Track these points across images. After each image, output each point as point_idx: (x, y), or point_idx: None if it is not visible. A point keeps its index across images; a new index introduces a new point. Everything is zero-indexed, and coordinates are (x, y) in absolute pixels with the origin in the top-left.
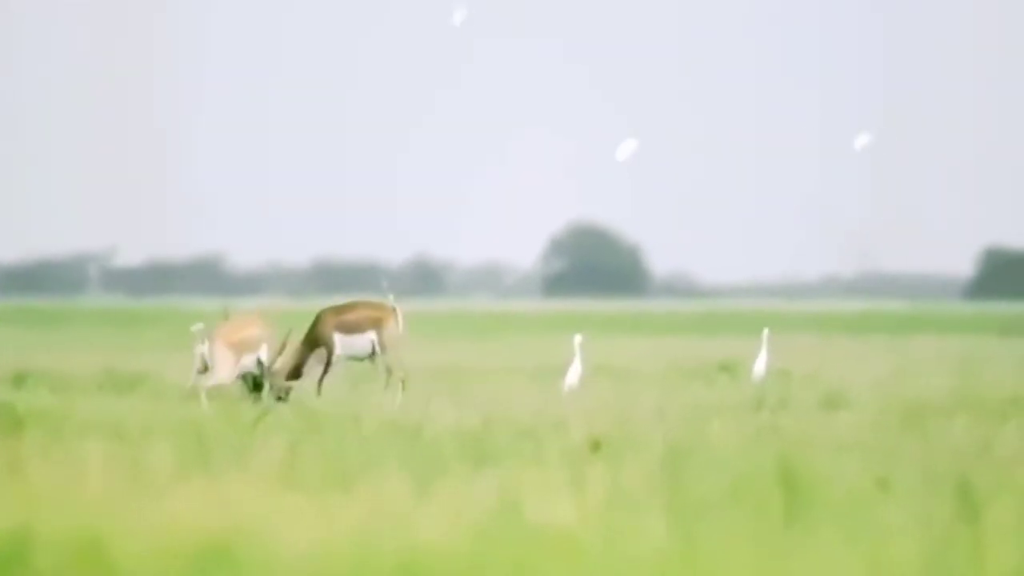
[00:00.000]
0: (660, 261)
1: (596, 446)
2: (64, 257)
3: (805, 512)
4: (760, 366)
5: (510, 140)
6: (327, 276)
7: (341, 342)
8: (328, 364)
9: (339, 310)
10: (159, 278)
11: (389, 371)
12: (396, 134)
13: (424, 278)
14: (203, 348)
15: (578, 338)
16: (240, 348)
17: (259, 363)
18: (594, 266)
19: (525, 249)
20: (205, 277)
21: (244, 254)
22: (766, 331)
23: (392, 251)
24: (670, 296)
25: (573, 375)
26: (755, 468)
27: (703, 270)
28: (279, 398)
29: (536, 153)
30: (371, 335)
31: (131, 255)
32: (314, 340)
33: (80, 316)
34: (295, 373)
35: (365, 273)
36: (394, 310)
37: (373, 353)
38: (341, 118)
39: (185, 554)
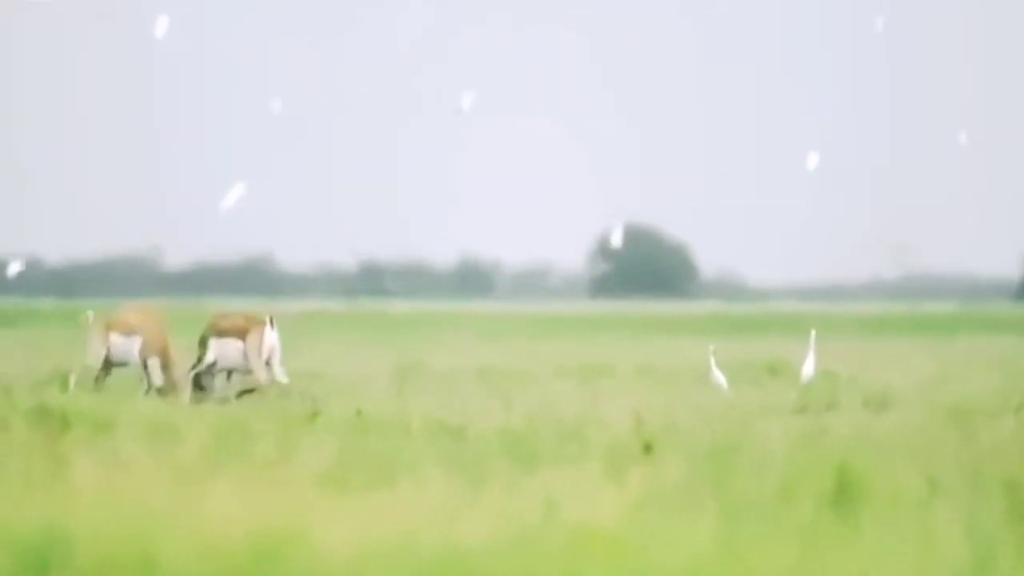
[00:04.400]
0: (707, 262)
1: (648, 448)
2: (113, 259)
3: (853, 513)
4: (808, 368)
5: (558, 140)
6: (376, 277)
7: (215, 347)
8: (198, 363)
9: (223, 316)
10: (207, 279)
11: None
12: (446, 135)
13: (472, 279)
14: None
15: (813, 333)
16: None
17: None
18: (641, 267)
19: (572, 250)
20: (253, 278)
21: (293, 255)
22: (813, 333)
23: (441, 252)
24: (717, 297)
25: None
26: (803, 469)
27: (750, 271)
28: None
29: (583, 153)
30: (239, 344)
31: (179, 256)
32: (200, 342)
33: None
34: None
35: (413, 274)
36: (262, 322)
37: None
38: (391, 119)
39: (230, 554)
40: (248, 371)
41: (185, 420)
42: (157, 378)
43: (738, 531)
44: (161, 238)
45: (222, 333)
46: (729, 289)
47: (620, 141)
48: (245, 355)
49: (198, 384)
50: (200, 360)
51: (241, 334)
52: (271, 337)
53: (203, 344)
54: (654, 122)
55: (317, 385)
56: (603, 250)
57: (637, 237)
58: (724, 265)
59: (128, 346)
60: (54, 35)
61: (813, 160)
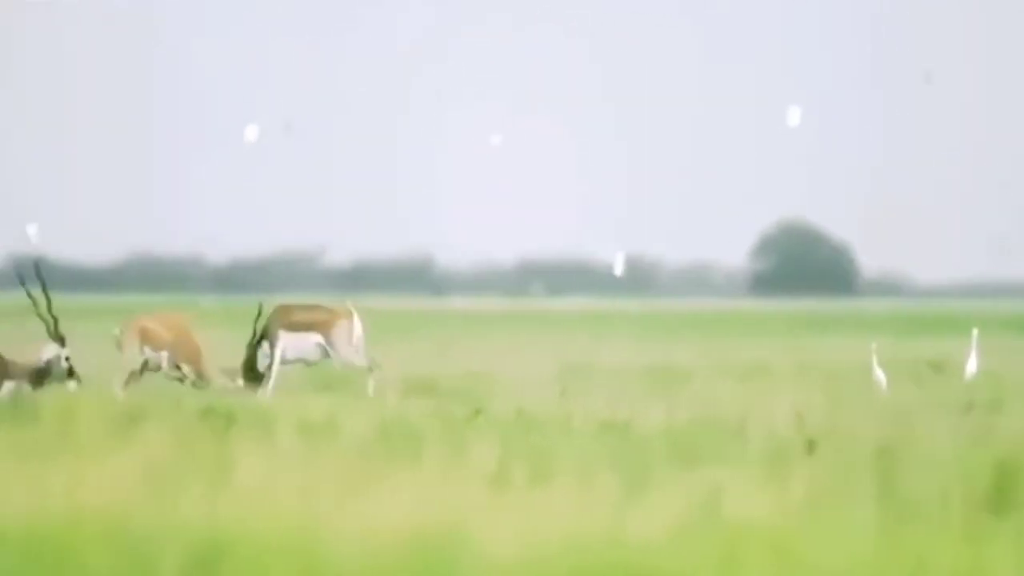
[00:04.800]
0: (869, 260)
1: (811, 446)
2: (274, 257)
3: (1019, 513)
4: (972, 366)
5: (719, 137)
6: (535, 275)
7: (286, 340)
8: (272, 361)
9: (290, 310)
10: (367, 277)
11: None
12: (604, 131)
13: (635, 277)
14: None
15: (975, 331)
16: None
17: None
18: (803, 265)
19: (734, 247)
20: (414, 276)
21: (454, 252)
22: (975, 331)
23: (603, 250)
24: (879, 295)
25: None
26: (968, 468)
27: (913, 269)
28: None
29: (743, 151)
30: (317, 337)
31: (339, 255)
32: (262, 336)
33: None
34: (250, 371)
35: (572, 273)
36: (348, 312)
37: (326, 356)
38: (548, 119)
39: (395, 551)
40: (315, 363)
41: (348, 417)
42: (191, 376)
43: (902, 530)
44: (324, 236)
45: (294, 327)
46: (891, 287)
47: (783, 139)
48: (328, 348)
49: (255, 375)
50: (272, 355)
51: (322, 327)
52: (359, 328)
53: (268, 337)
54: (813, 120)
55: (480, 384)
56: (764, 248)
57: (799, 235)
58: (886, 263)
59: (157, 359)
60: (195, 25)
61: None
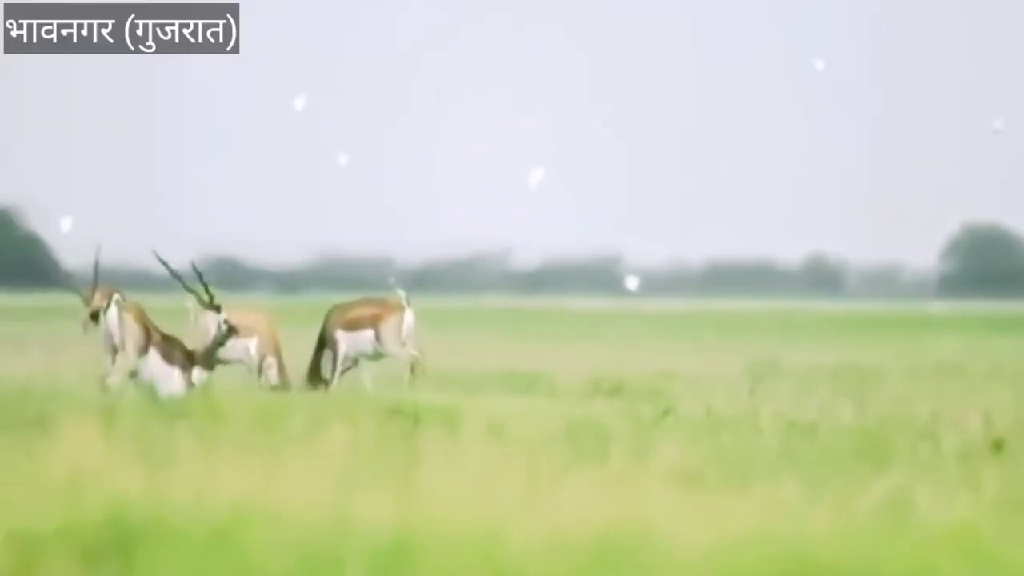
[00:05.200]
0: None
1: (998, 446)
2: (464, 258)
3: None
4: None
5: (913, 137)
6: (724, 276)
7: (345, 340)
8: (335, 362)
9: (346, 308)
10: (555, 278)
11: (411, 368)
12: (778, 128)
13: (822, 278)
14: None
15: None
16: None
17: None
18: (992, 266)
19: (922, 249)
20: (601, 277)
21: (640, 253)
22: None
23: (789, 251)
24: None
25: None
26: None
27: None
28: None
29: (930, 152)
30: (369, 333)
31: (527, 255)
32: (322, 340)
33: (477, 316)
34: (315, 374)
35: (757, 273)
36: (398, 307)
37: (380, 352)
38: (712, 120)
39: (583, 550)
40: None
41: (535, 417)
42: (272, 377)
43: None
44: (511, 237)
45: (351, 326)
46: None
47: (984, 143)
48: (379, 343)
49: (321, 377)
50: (335, 359)
51: (373, 322)
52: (410, 320)
53: (328, 339)
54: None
55: (668, 384)
56: (953, 249)
57: (988, 237)
58: None
59: (244, 345)
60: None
61: None
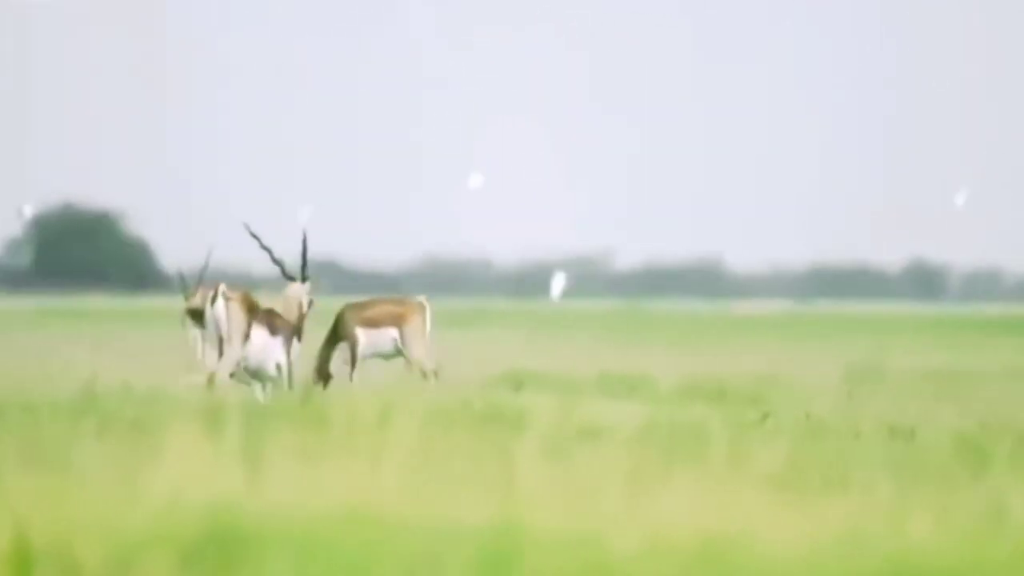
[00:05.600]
0: None
1: None
2: (557, 261)
3: None
4: None
5: (1013, 145)
6: (826, 279)
7: (365, 338)
8: (354, 361)
9: (362, 306)
10: (657, 281)
11: (421, 371)
12: (909, 127)
13: (923, 282)
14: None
15: None
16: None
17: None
18: None
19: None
20: (704, 279)
21: (743, 256)
22: None
23: (890, 255)
24: None
25: None
26: None
27: None
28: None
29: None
30: (392, 332)
31: (629, 258)
32: (337, 337)
33: (575, 318)
34: (323, 370)
35: (861, 276)
36: (420, 306)
37: (399, 351)
38: (841, 123)
39: (681, 553)
40: (394, 356)
41: (633, 420)
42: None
43: None
44: (611, 239)
45: (372, 323)
46: None
47: None
48: (401, 342)
49: (330, 374)
50: (354, 355)
51: (396, 321)
52: (429, 323)
53: (346, 337)
54: None
55: (768, 388)
56: None
57: None
58: None
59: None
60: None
61: None
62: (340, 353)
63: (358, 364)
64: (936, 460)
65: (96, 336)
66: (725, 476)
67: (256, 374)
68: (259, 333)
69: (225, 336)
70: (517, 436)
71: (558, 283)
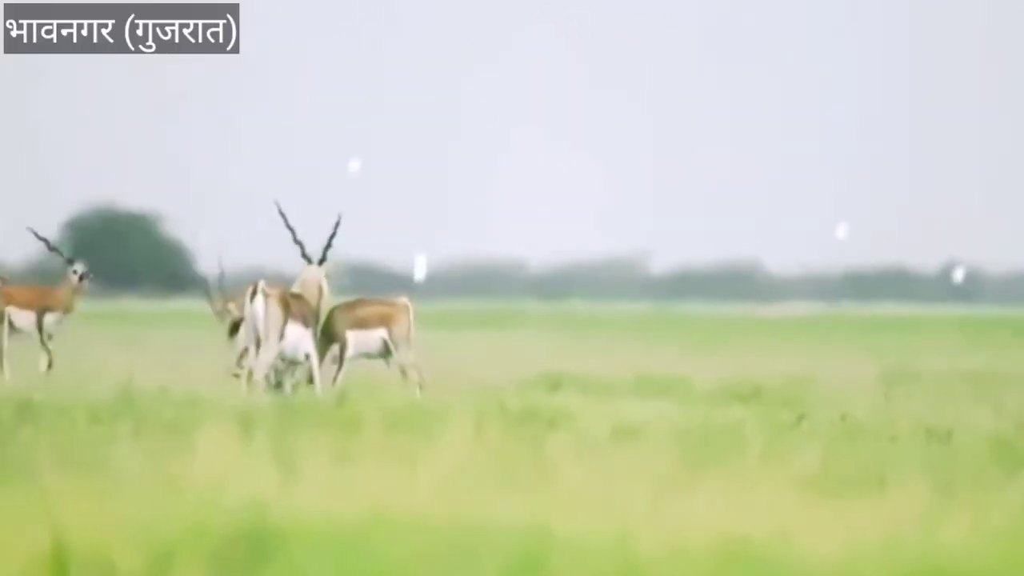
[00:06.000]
0: None
1: None
2: (600, 262)
3: None
4: None
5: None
6: (860, 281)
7: (354, 339)
8: (341, 362)
9: (351, 307)
10: (691, 283)
11: (403, 371)
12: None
13: (958, 284)
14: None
15: None
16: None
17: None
18: None
19: None
20: (738, 282)
21: (778, 260)
22: None
23: (923, 257)
24: None
25: None
26: None
27: None
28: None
29: None
30: (382, 332)
31: (663, 260)
32: (329, 337)
33: (610, 321)
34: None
35: (896, 278)
36: (406, 307)
37: (387, 352)
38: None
39: (714, 554)
40: (381, 357)
41: (667, 421)
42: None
43: None
44: (646, 242)
45: (361, 324)
46: None
47: None
48: (389, 342)
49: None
50: (342, 356)
51: (384, 321)
52: (413, 323)
53: (335, 338)
54: None
55: (803, 390)
56: None
57: None
58: None
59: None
60: None
61: None
62: (330, 353)
63: (344, 365)
64: (972, 462)
65: (131, 338)
66: (760, 478)
67: (288, 366)
68: (294, 328)
69: (262, 334)
70: (552, 437)
71: (420, 267)
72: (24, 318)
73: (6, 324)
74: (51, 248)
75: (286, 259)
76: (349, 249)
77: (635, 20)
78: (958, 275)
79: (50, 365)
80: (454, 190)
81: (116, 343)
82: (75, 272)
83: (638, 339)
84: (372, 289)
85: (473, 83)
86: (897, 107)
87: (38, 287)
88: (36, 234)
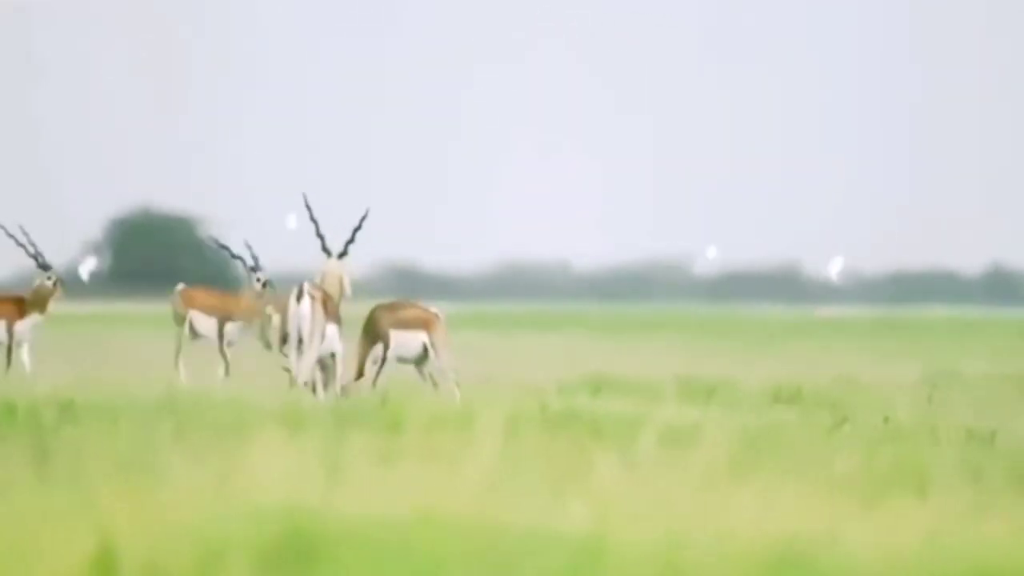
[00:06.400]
0: None
1: None
2: (646, 264)
3: None
4: None
5: None
6: (903, 285)
7: (396, 339)
8: (383, 362)
9: (393, 307)
10: (737, 286)
11: (435, 377)
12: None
13: (1002, 287)
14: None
15: None
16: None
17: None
18: None
19: None
20: (783, 286)
21: (823, 262)
22: None
23: (968, 259)
24: None
25: None
26: None
27: None
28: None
29: None
30: (423, 335)
31: (709, 263)
32: (372, 337)
33: (655, 322)
34: (359, 372)
35: (941, 280)
36: (439, 316)
37: (424, 356)
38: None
39: (759, 558)
40: (416, 363)
41: (710, 425)
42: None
43: None
44: (694, 244)
45: (404, 324)
46: None
47: None
48: (430, 347)
49: (362, 373)
50: (384, 355)
51: (425, 325)
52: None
53: (379, 338)
54: None
55: (846, 392)
56: None
57: None
58: None
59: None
60: None
61: None
62: (371, 354)
63: (386, 365)
64: (1016, 464)
65: (173, 339)
66: (804, 480)
67: (322, 367)
68: (332, 328)
69: (306, 337)
70: (595, 440)
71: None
72: (207, 324)
73: (187, 327)
74: (233, 256)
75: (282, 261)
76: (400, 252)
77: (672, 27)
78: (1003, 277)
79: (227, 372)
80: (499, 192)
81: (159, 344)
82: (258, 280)
83: (682, 341)
84: (410, 292)
85: (515, 82)
86: (947, 109)
87: (221, 293)
88: (217, 242)
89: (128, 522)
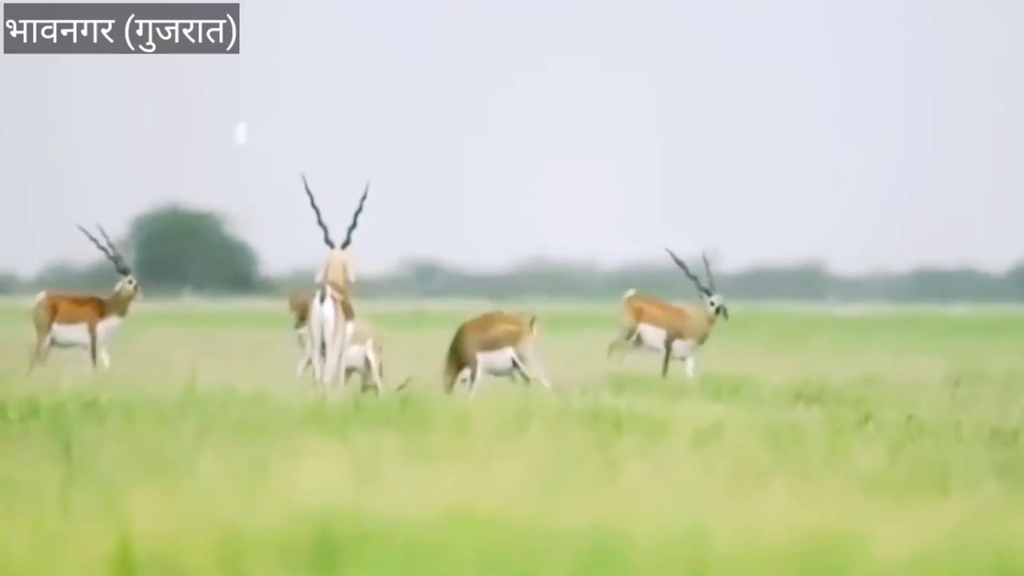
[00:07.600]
0: None
1: None
2: (666, 263)
3: None
4: None
5: None
6: (927, 283)
7: (485, 361)
8: (473, 379)
9: (480, 327)
10: (761, 283)
11: (526, 375)
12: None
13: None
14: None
15: None
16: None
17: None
18: None
19: None
20: (806, 283)
21: (848, 259)
22: None
23: (993, 256)
24: None
25: None
26: None
27: None
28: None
29: None
30: (510, 352)
31: (733, 260)
32: (460, 360)
33: None
34: (448, 391)
35: (966, 278)
36: (530, 323)
37: (514, 367)
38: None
39: (782, 555)
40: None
41: (735, 423)
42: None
43: None
44: (715, 242)
45: (491, 345)
46: None
47: None
48: (519, 360)
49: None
50: (473, 375)
51: (512, 340)
52: (538, 339)
53: (467, 362)
54: None
55: (870, 390)
56: None
57: None
58: None
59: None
60: None
61: None
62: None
63: (477, 381)
64: None
65: (198, 338)
66: (827, 478)
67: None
68: (349, 326)
69: (329, 339)
70: (621, 438)
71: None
72: (656, 335)
73: (634, 338)
74: (689, 275)
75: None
76: (447, 253)
77: (705, 33)
78: None
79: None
80: (523, 192)
81: (184, 342)
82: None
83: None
84: (432, 290)
85: (542, 82)
86: (970, 106)
87: (672, 306)
88: (675, 258)
89: (149, 520)
